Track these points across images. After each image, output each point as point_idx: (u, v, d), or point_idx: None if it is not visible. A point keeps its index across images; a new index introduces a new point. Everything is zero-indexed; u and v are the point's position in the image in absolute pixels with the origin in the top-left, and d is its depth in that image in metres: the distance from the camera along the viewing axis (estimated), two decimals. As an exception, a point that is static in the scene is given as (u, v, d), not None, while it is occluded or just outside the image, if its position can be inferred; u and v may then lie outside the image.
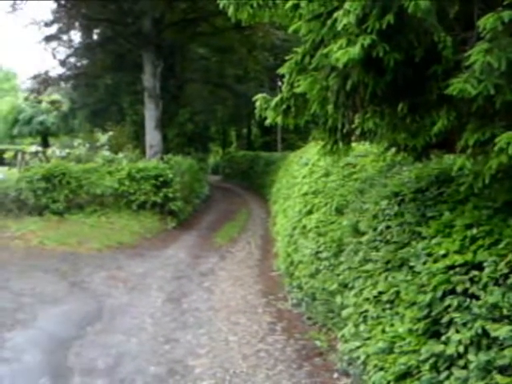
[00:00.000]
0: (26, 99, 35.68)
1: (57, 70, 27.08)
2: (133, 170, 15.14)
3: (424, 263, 4.39)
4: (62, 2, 22.99)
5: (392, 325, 4.61)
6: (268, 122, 5.99)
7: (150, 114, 21.41)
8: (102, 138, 24.41)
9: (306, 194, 9.29)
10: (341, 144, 5.83)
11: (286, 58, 5.58)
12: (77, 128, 29.05)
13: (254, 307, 8.18)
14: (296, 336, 6.95)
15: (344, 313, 6.16)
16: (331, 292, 6.94)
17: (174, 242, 13.66)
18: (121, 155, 17.62)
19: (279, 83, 34.43)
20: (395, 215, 5.82)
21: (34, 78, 24.96)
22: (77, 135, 27.78)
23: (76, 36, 32.50)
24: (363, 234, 6.35)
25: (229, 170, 40.29)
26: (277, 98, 5.87)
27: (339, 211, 7.84)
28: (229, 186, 34.29)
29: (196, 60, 29.15)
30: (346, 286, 6.51)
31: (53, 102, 33.95)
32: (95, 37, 26.66)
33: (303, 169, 10.39)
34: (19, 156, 19.00)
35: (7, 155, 29.09)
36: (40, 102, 35.45)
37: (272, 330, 7.15)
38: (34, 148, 24.36)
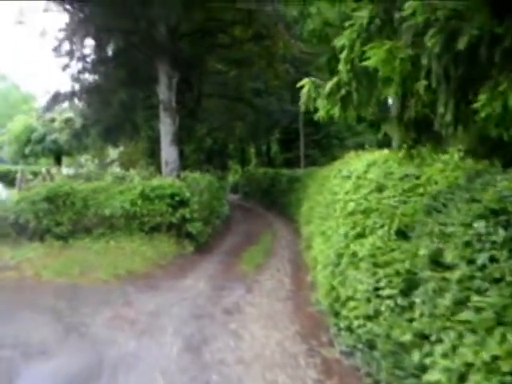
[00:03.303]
0: (39, 118, 34.61)
1: (70, 87, 25.77)
2: (146, 188, 13.55)
3: None
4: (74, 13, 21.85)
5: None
6: (319, 115, 4.30)
7: (166, 128, 19.88)
8: (113, 153, 22.90)
9: (352, 213, 7.58)
10: (428, 143, 4.14)
11: (346, 24, 3.97)
12: (90, 145, 27.66)
13: (293, 357, 6.45)
14: (357, 405, 5.24)
15: (428, 378, 4.45)
16: (402, 344, 5.22)
17: (192, 269, 11.97)
18: (133, 172, 16.05)
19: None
20: (504, 242, 4.13)
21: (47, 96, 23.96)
22: (87, 152, 26.35)
23: (89, 51, 31.31)
24: (450, 267, 4.65)
25: (248, 189, 38.75)
26: (332, 82, 4.18)
27: (402, 235, 6.13)
28: (249, 205, 32.68)
29: (213, 73, 27.75)
30: (425, 337, 4.81)
31: (66, 121, 32.73)
32: (109, 51, 25.45)
33: (346, 183, 8.69)
34: (19, 175, 17.56)
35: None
36: (53, 120, 34.33)
37: (323, 394, 5.44)
38: (43, 168, 22.94)
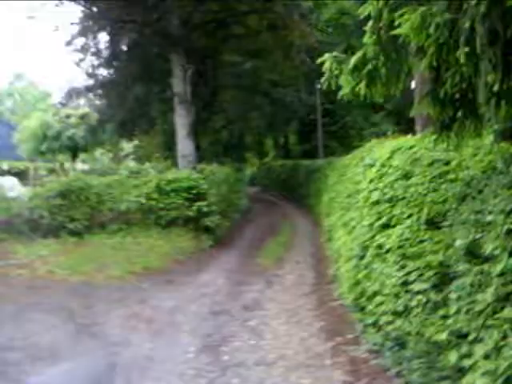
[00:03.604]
0: (55, 114, 34.46)
1: (85, 83, 25.57)
2: (162, 181, 13.23)
3: None
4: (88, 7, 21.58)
5: None
6: (343, 93, 3.88)
7: (182, 121, 19.54)
8: (127, 147, 22.57)
9: (377, 202, 7.15)
10: (468, 122, 3.72)
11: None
12: (106, 140, 27.40)
13: (318, 357, 6.05)
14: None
15: (468, 381, 4.05)
16: (436, 343, 4.80)
17: (210, 264, 11.63)
18: (148, 166, 15.71)
19: (318, 86, 32.55)
20: (552, 232, 3.71)
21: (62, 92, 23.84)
22: (103, 147, 26.03)
23: (103, 46, 31.04)
24: (489, 259, 4.23)
25: (267, 181, 38.41)
26: (357, 56, 3.77)
27: (433, 224, 5.71)
28: (268, 197, 32.31)
29: (229, 65, 27.32)
30: (463, 336, 4.40)
31: (82, 117, 32.55)
32: (122, 45, 25.14)
33: (368, 171, 8.24)
34: (31, 171, 17.31)
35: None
36: (69, 116, 34.16)
37: (352, 398, 5.07)
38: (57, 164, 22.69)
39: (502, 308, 3.89)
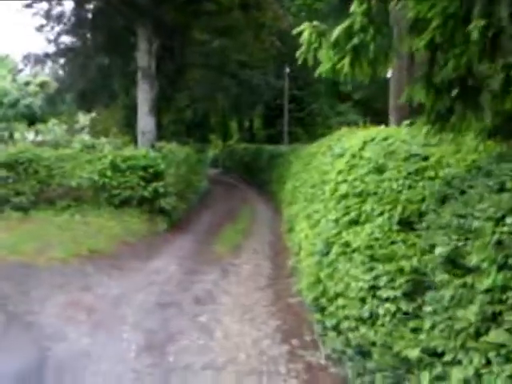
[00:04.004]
0: (14, 80, 33.11)
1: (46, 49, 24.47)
2: (117, 158, 12.47)
3: None
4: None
5: None
6: (322, 70, 3.29)
7: (144, 96, 18.76)
8: (83, 119, 21.56)
9: (345, 196, 6.60)
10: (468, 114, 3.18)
11: None
12: (64, 111, 26.28)
13: (272, 361, 5.52)
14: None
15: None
16: (405, 359, 4.32)
17: (163, 249, 10.96)
18: (104, 140, 14.88)
19: (287, 70, 31.98)
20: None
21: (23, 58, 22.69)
22: (59, 118, 24.89)
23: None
24: (472, 271, 3.75)
25: (229, 163, 37.84)
26: (341, 28, 3.16)
27: (407, 225, 5.20)
28: (229, 180, 31.73)
29: (198, 43, 26.52)
30: (438, 355, 3.93)
31: (41, 85, 31.27)
32: (88, 14, 24.08)
33: (337, 162, 7.69)
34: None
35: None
36: (28, 84, 32.85)
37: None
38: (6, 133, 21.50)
39: (487, 330, 3.41)
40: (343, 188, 6.75)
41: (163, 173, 12.72)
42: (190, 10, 22.68)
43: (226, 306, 7.31)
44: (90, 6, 23.47)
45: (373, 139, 6.92)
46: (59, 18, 23.55)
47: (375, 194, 5.96)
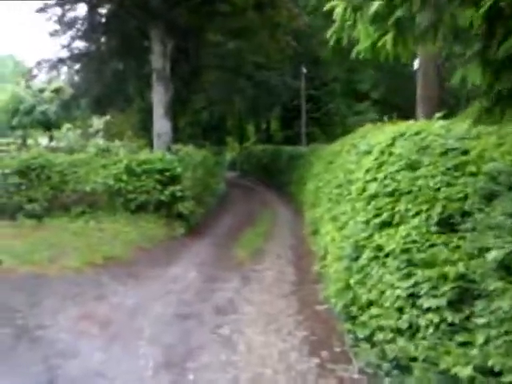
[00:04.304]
0: (28, 88, 32.95)
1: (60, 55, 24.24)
2: (133, 162, 12.08)
3: None
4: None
5: None
6: (360, 49, 2.81)
7: (159, 98, 18.39)
8: (97, 123, 21.21)
9: (375, 195, 6.12)
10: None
11: None
12: (79, 117, 26.05)
13: (302, 377, 5.05)
14: None
15: None
16: (454, 377, 3.84)
17: (181, 255, 10.53)
18: (118, 144, 14.51)
19: (304, 70, 31.49)
20: None
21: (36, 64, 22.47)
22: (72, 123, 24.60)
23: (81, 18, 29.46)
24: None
25: (247, 166, 37.38)
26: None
27: (447, 226, 4.71)
28: (247, 182, 31.26)
29: (213, 44, 26.13)
30: (494, 374, 3.45)
31: (56, 91, 31.07)
32: (101, 18, 23.79)
33: (364, 159, 7.20)
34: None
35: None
36: (43, 90, 32.72)
37: None
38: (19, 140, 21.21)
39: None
40: (372, 187, 6.27)
41: (180, 176, 12.32)
42: (203, 12, 22.29)
43: (249, 316, 6.84)
44: (103, 11, 23.14)
45: (402, 134, 6.42)
46: (72, 23, 23.25)
47: (409, 192, 5.47)
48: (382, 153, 6.60)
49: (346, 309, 6.09)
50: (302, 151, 21.58)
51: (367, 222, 6.04)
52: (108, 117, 21.86)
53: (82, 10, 29.96)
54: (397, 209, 5.48)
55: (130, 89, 23.33)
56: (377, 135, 7.53)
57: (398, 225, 5.41)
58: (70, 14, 22.94)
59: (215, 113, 27.96)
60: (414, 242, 4.89)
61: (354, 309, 5.87)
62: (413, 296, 4.56)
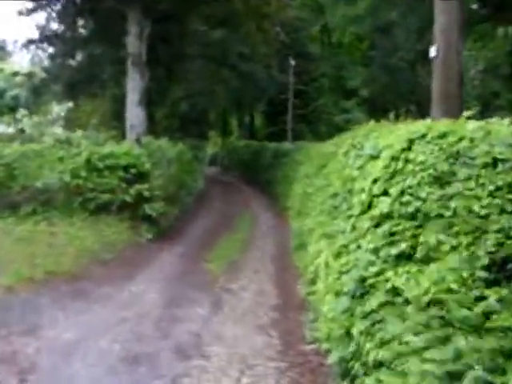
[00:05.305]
0: (1, 71, 31.16)
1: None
2: (94, 155, 10.54)
3: None
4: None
5: None
6: None
7: (134, 85, 16.85)
8: (56, 109, 19.45)
9: (388, 215, 4.64)
10: None
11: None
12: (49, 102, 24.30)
13: None
14: None
15: None
16: None
17: (144, 267, 8.98)
18: (80, 134, 12.87)
19: (292, 63, 30.01)
20: None
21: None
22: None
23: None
24: None
25: (229, 162, 35.99)
26: None
27: (504, 271, 3.27)
28: (228, 179, 29.81)
29: (197, 32, 24.62)
30: None
31: (29, 75, 29.27)
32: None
33: (370, 165, 5.73)
34: None
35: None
36: (16, 74, 30.94)
37: None
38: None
39: None
40: (384, 204, 4.77)
41: (148, 173, 10.79)
42: (187, -3, 20.77)
43: (219, 361, 5.34)
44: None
45: (423, 136, 4.94)
46: (46, 3, 21.55)
47: (439, 216, 4.01)
48: (395, 159, 5.10)
49: (343, 363, 4.62)
50: (288, 148, 20.19)
51: (376, 251, 4.56)
52: (71, 104, 20.09)
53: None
54: (422, 238, 4.03)
55: (105, 75, 21.69)
56: (385, 136, 6.05)
57: (423, 261, 3.96)
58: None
59: (197, 105, 26.41)
60: (451, 291, 3.44)
61: (355, 366, 4.39)
62: (452, 376, 3.11)
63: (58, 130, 15.83)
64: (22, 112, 15.01)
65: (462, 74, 7.08)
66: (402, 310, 3.87)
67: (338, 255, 5.58)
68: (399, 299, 3.95)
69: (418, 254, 4.01)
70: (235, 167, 33.27)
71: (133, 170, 10.54)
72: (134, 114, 16.27)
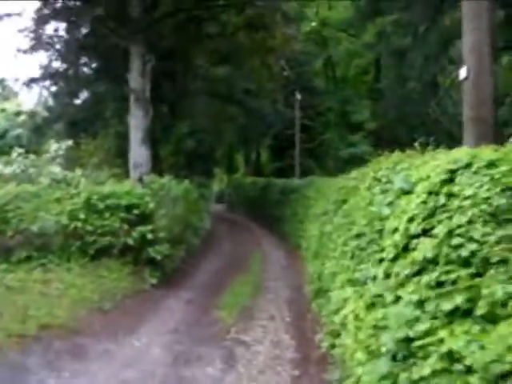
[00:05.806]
0: (3, 110, 30.88)
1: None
2: (93, 196, 9.85)
3: None
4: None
5: None
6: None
7: (137, 123, 16.25)
8: (54, 147, 18.85)
9: (433, 261, 3.88)
10: None
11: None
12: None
13: None
14: None
15: None
16: None
17: (147, 317, 8.18)
18: (79, 173, 12.20)
19: (298, 97, 29.56)
20: None
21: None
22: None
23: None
24: None
25: (235, 199, 35.33)
26: None
27: None
28: (235, 217, 29.08)
29: (201, 68, 24.25)
30: None
31: (31, 114, 28.94)
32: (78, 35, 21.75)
33: (404, 202, 4.99)
34: None
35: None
36: (19, 114, 30.67)
37: None
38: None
39: None
40: (426, 247, 4.02)
41: (152, 214, 10.07)
42: (190, 32, 20.51)
43: None
44: (82, 30, 21.12)
45: (467, 166, 4.22)
46: (50, 43, 21.23)
47: (503, 262, 3.27)
48: (434, 193, 4.37)
49: None
50: (297, 184, 19.49)
51: (421, 305, 3.80)
52: (70, 142, 19.51)
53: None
54: (484, 291, 3.27)
55: (108, 112, 21.21)
56: (418, 167, 5.33)
57: (486, 319, 3.20)
58: (48, 33, 20.95)
59: (203, 142, 25.87)
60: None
61: None
62: None
63: (56, 169, 15.09)
64: (17, 151, 14.47)
65: (497, 96, 6.41)
66: (464, 381, 3.09)
67: (370, 306, 4.80)
68: (459, 366, 3.17)
69: (480, 310, 3.25)
70: (242, 204, 32.61)
71: (135, 211, 9.83)
72: (138, 153, 15.67)
